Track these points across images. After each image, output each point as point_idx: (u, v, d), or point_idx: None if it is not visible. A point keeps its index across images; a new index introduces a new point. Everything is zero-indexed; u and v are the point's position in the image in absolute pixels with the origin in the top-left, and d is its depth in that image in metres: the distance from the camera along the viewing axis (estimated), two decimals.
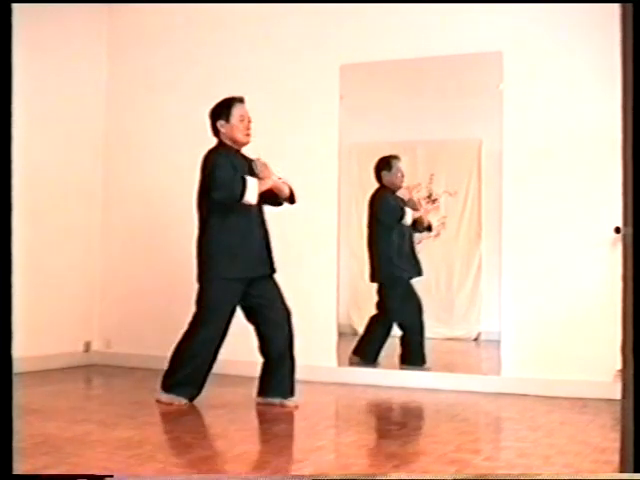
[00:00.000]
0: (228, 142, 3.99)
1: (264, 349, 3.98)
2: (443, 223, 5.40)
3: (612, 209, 3.94)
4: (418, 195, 5.33)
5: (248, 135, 4.00)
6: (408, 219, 5.10)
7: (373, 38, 4.94)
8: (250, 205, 3.88)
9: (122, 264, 5.56)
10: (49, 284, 5.18)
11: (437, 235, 5.40)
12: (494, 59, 4.63)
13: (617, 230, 4.02)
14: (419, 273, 5.13)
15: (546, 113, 4.52)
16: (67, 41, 5.43)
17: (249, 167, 3.95)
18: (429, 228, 5.27)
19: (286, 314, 3.97)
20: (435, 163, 5.40)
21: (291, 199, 4.09)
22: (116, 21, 5.69)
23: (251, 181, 3.83)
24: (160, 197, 5.42)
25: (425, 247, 5.33)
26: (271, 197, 4.01)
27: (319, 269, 4.97)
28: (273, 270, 4.01)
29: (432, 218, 5.34)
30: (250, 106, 4.02)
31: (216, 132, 4.02)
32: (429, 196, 5.37)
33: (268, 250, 4.00)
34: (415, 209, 5.16)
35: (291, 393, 3.94)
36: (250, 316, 4.00)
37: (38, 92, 5.07)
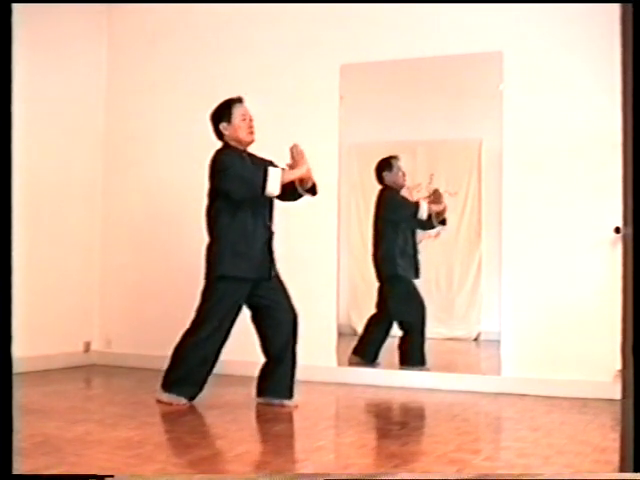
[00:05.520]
0: (233, 143, 3.96)
1: (265, 348, 3.97)
2: None
3: (612, 209, 3.95)
4: (418, 195, 5.33)
5: (252, 133, 3.97)
6: (424, 213, 5.09)
7: (373, 38, 4.94)
8: (260, 206, 3.86)
9: (122, 264, 5.56)
10: (49, 284, 5.18)
11: (437, 235, 5.40)
12: (494, 59, 4.63)
13: (617, 230, 4.02)
14: (416, 275, 5.13)
15: (546, 113, 4.52)
16: (67, 41, 5.43)
17: (258, 164, 3.90)
18: (443, 222, 5.23)
19: (292, 315, 3.94)
20: (435, 163, 5.39)
21: (313, 190, 4.01)
22: (116, 21, 5.69)
23: (273, 171, 3.77)
24: (160, 197, 5.42)
25: (425, 247, 5.32)
26: (292, 189, 3.91)
27: (319, 269, 4.97)
28: (273, 275, 3.96)
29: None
30: (250, 106, 4.02)
31: (220, 135, 4.00)
32: (429, 196, 5.37)
33: (270, 254, 3.97)
34: (440, 202, 5.14)
35: (290, 395, 3.92)
36: (254, 316, 3.99)
37: (38, 92, 5.06)
